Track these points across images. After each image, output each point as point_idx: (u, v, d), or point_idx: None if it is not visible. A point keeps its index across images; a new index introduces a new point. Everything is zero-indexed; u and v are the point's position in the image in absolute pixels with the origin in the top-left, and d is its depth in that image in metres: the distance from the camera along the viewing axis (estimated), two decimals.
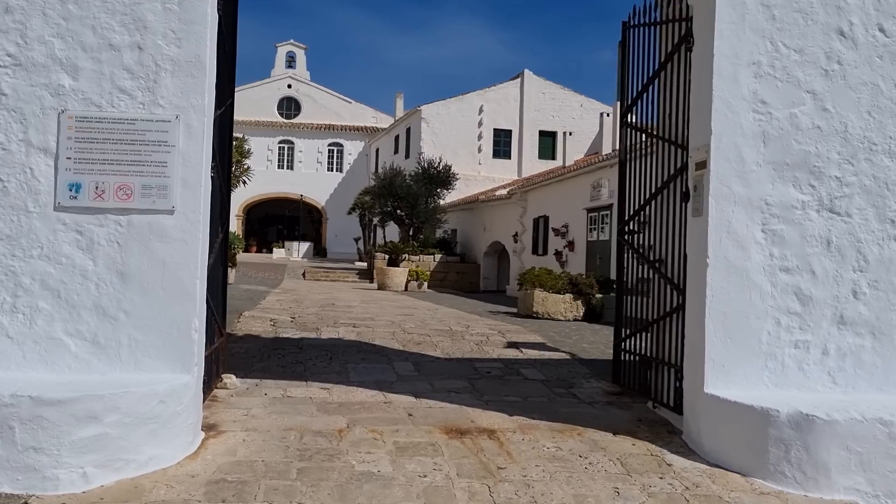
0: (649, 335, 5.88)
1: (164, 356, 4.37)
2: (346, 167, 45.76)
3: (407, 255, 25.66)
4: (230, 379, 6.02)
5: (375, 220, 31.94)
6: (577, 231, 20.94)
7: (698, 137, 4.98)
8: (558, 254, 21.97)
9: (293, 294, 16.76)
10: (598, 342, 9.19)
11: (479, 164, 36.97)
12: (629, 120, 6.48)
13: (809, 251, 4.84)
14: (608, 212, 18.96)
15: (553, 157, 37.12)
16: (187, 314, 4.40)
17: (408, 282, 23.47)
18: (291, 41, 47.57)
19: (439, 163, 29.01)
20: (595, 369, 7.29)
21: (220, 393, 5.71)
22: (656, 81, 5.87)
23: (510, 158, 37.46)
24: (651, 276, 5.81)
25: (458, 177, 30.28)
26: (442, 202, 29.54)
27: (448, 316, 11.95)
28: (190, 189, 4.40)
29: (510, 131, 37.37)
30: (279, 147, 45.04)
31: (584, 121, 37.05)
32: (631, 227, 6.39)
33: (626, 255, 6.51)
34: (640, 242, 6.32)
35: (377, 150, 44.23)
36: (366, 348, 7.91)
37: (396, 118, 43.40)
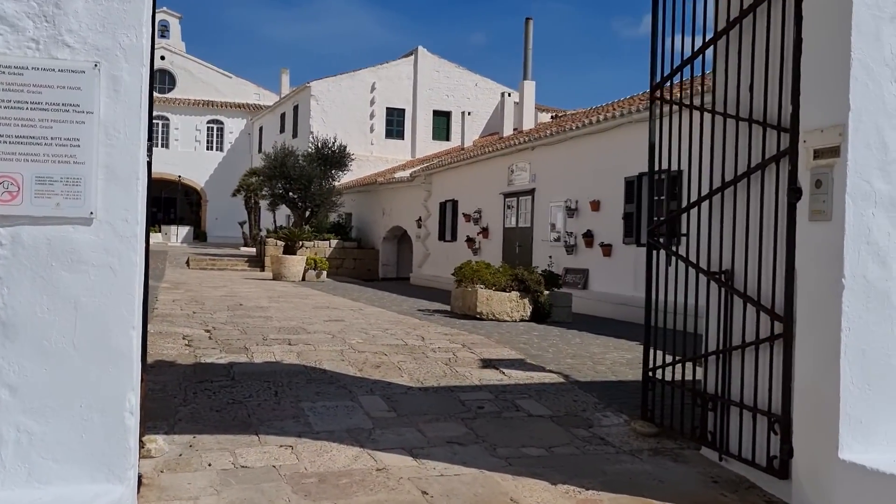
0: (710, 366, 4.63)
1: (78, 457, 2.70)
2: (227, 146, 42.82)
3: (302, 242, 23.76)
4: (154, 443, 4.32)
5: (264, 202, 29.69)
6: (492, 217, 19.80)
7: (818, 115, 3.73)
8: (470, 240, 20.77)
9: (186, 290, 14.70)
10: (578, 354, 7.95)
11: (372, 143, 35.36)
12: (664, 94, 5.19)
13: None
14: (528, 197, 17.90)
15: (447, 138, 36.05)
16: (118, 386, 2.74)
17: (305, 270, 21.64)
18: (164, 9, 43.85)
19: (334, 142, 27.15)
20: (603, 396, 6.02)
21: (143, 465, 4.02)
22: (721, 41, 4.58)
23: (404, 138, 36.06)
24: (718, 292, 4.55)
25: (353, 157, 28.57)
26: (337, 184, 27.74)
27: (383, 320, 10.41)
28: (120, 183, 2.72)
29: (403, 110, 35.92)
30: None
31: (480, 101, 36.13)
32: (671, 228, 5.12)
33: (656, 261, 5.24)
34: (674, 244, 5.08)
35: (261, 129, 41.60)
36: (316, 376, 6.30)
37: (282, 95, 40.92)
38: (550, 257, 16.43)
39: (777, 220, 4.04)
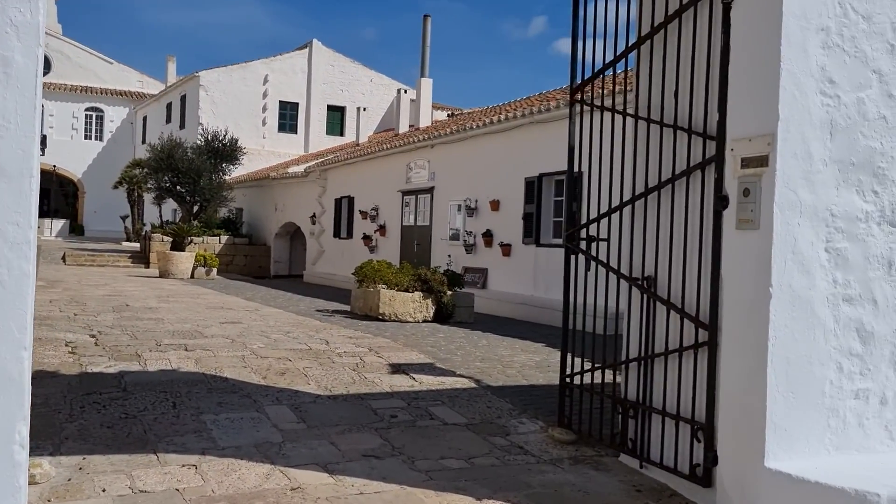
0: (631, 373, 4.60)
1: None
2: (107, 136, 40.64)
3: (191, 238, 22.76)
4: (39, 467, 3.89)
5: (149, 196, 28.30)
6: (390, 214, 19.57)
7: (746, 124, 3.73)
8: (367, 238, 20.47)
9: (65, 289, 13.74)
10: (487, 357, 7.84)
11: (264, 137, 34.48)
12: (584, 96, 5.14)
13: (872, 275, 3.80)
14: (427, 195, 17.78)
15: (342, 133, 35.59)
16: (5, 416, 2.38)
17: (195, 268, 20.75)
18: None
19: (225, 135, 26.18)
20: (516, 402, 5.93)
21: (28, 493, 3.59)
22: (645, 46, 4.55)
23: (297, 133, 35.35)
24: (640, 298, 4.52)
25: (245, 151, 27.69)
26: (228, 178, 26.79)
27: (283, 321, 10.00)
28: (9, 182, 2.36)
29: (297, 104, 35.19)
30: None
31: (375, 97, 35.85)
32: (588, 233, 5.08)
33: (574, 266, 5.19)
34: (593, 251, 5.05)
35: (145, 119, 39.74)
36: (217, 385, 5.92)
37: (168, 84, 39.18)
38: (450, 256, 16.37)
39: (702, 228, 4.04)
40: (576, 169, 5.29)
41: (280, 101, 34.68)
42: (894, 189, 3.83)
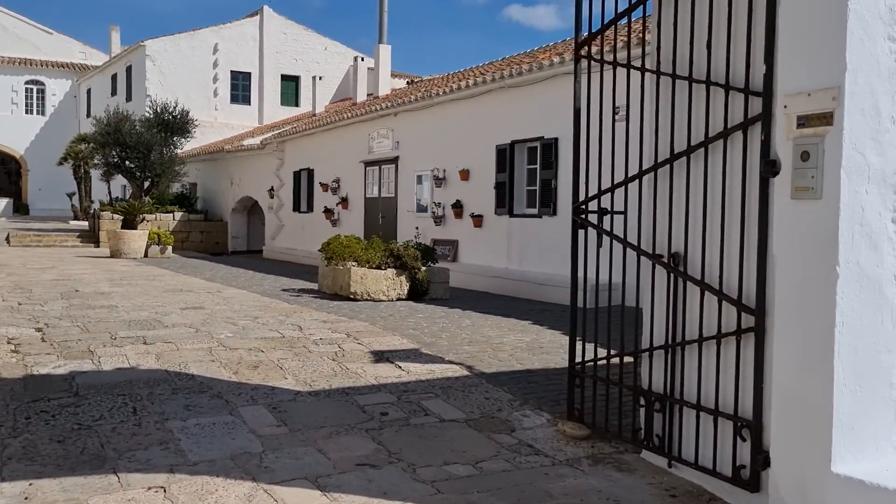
0: (656, 362, 4.11)
1: None
2: (49, 110, 38.85)
3: (143, 215, 21.75)
4: None
5: (97, 172, 27.06)
6: (352, 186, 18.87)
7: (803, 76, 3.20)
8: (328, 212, 19.76)
9: (8, 273, 12.84)
10: (474, 339, 7.30)
11: (216, 109, 33.37)
12: (591, 51, 4.57)
13: None
14: (391, 166, 17.11)
15: (297, 104, 34.58)
16: None
17: (148, 246, 19.82)
18: None
19: (175, 107, 25.03)
20: (515, 391, 5.43)
21: None
22: None
23: (251, 104, 34.28)
24: (667, 278, 4.00)
25: (196, 123, 26.58)
26: (180, 152, 25.70)
27: (249, 305, 9.33)
28: None
29: (249, 74, 34.05)
30: None
31: (330, 65, 34.84)
32: (600, 205, 4.54)
33: (584, 242, 4.67)
34: (603, 225, 4.52)
35: (89, 91, 38.08)
36: (182, 384, 5.29)
37: (112, 55, 37.53)
38: (417, 229, 15.78)
39: (745, 198, 3.52)
40: (583, 135, 4.70)
41: (231, 72, 33.53)
42: None
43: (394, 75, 26.73)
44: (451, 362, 6.14)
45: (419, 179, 15.95)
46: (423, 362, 6.10)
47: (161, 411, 4.67)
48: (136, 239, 19.61)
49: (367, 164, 18.09)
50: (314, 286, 11.91)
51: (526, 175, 13.13)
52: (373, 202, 17.97)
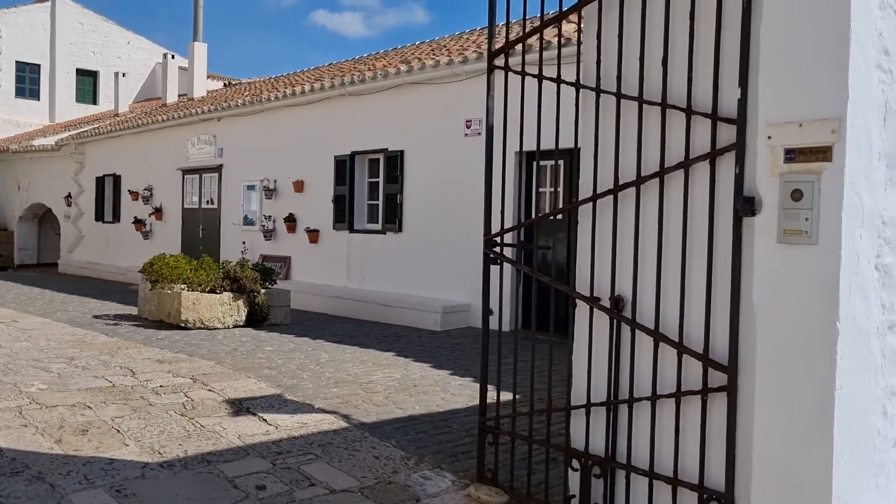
0: (594, 419, 3.60)
1: None
2: None
3: None
4: None
5: None
6: (168, 196, 17.24)
7: (796, 104, 2.80)
8: (139, 222, 17.96)
9: None
10: (340, 379, 6.48)
11: None
12: (508, 62, 4.01)
13: None
14: (214, 174, 15.76)
15: (95, 102, 31.56)
16: None
17: None
18: None
19: None
20: (406, 444, 4.75)
21: None
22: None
23: (40, 99, 30.77)
24: (610, 326, 3.51)
25: None
26: None
27: (58, 339, 7.86)
28: None
29: (39, 66, 30.55)
30: None
31: (134, 61, 32.16)
32: (520, 238, 4.00)
33: (499, 280, 4.10)
34: (518, 257, 4.00)
35: None
36: None
37: None
38: (244, 243, 14.62)
39: (713, 238, 3.10)
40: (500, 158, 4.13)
41: (17, 62, 29.94)
42: None
43: (209, 77, 25.03)
44: (322, 411, 5.33)
45: (247, 190, 14.77)
46: (291, 412, 5.24)
47: None
48: None
49: (186, 171, 16.58)
50: (132, 310, 10.50)
51: (367, 188, 12.45)
52: (192, 213, 16.47)
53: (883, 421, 2.99)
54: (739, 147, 3.00)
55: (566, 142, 3.79)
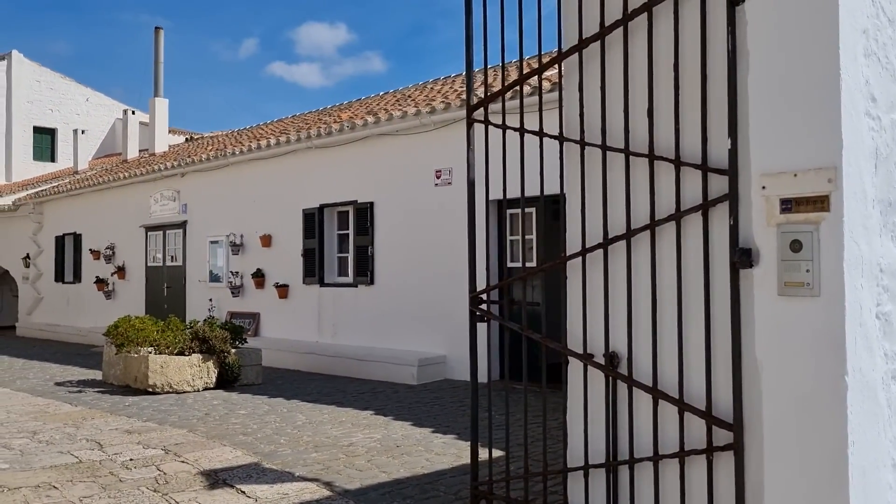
0: (593, 481, 3.46)
1: None
2: None
3: None
4: None
5: None
6: (131, 254, 16.89)
7: (790, 153, 2.75)
8: (102, 282, 17.53)
9: None
10: (319, 443, 6.24)
11: None
12: (487, 116, 3.95)
13: None
14: (179, 230, 15.49)
15: (53, 159, 31.09)
16: None
17: None
18: None
19: None
20: None
21: None
22: (591, 49, 3.48)
23: None
24: (606, 383, 3.40)
25: None
26: None
27: (18, 410, 7.50)
28: None
29: None
30: None
31: (92, 118, 31.83)
32: (509, 294, 3.90)
33: (486, 338, 3.99)
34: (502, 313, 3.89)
35: None
36: None
37: None
38: (211, 300, 14.32)
39: (709, 291, 3.02)
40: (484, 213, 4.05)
41: None
42: None
43: (170, 131, 24.84)
44: (303, 479, 5.10)
45: (212, 245, 14.52)
46: (270, 482, 5.01)
47: None
48: None
49: (149, 228, 16.27)
50: (96, 375, 10.13)
51: (336, 241, 12.30)
52: (156, 271, 16.13)
53: (893, 474, 2.91)
54: (732, 198, 2.94)
55: (540, 189, 3.72)
